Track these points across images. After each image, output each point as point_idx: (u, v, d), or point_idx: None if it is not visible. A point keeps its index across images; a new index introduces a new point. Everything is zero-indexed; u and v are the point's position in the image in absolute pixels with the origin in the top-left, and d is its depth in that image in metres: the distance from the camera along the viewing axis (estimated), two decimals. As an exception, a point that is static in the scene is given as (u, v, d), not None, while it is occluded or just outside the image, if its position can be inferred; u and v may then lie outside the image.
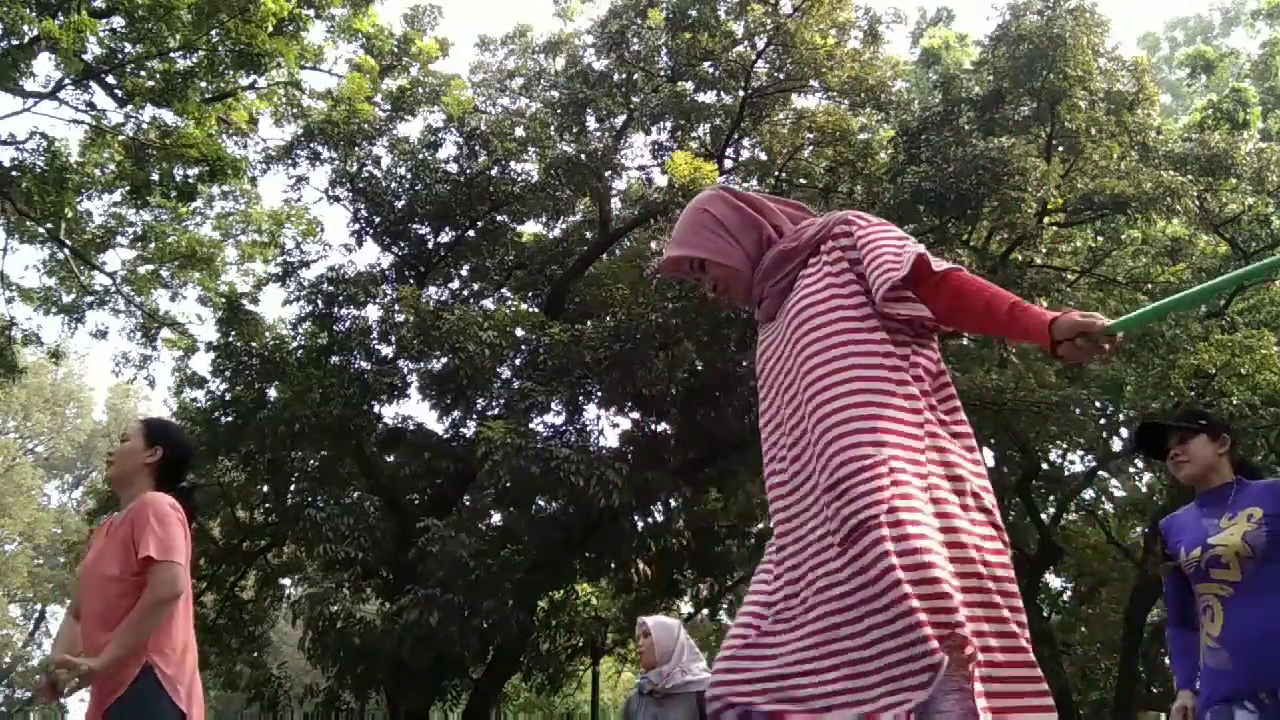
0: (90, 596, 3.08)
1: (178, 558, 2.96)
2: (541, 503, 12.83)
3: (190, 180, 12.00)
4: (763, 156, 14.68)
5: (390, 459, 14.83)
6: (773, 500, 2.17)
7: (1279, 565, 2.95)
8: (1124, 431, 16.43)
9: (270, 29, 10.98)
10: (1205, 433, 3.20)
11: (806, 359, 2.09)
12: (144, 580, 2.96)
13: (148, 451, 3.19)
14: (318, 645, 11.93)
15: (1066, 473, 16.88)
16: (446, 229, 14.28)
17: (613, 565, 13.53)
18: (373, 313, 13.80)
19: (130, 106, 11.75)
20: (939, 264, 2.10)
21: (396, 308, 12.98)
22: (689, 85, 14.33)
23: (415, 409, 56.13)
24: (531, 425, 12.37)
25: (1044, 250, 14.12)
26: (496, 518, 13.64)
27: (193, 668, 3.04)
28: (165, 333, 15.12)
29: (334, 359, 13.29)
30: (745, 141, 15.10)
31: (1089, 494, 17.90)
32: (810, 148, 13.85)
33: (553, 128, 13.98)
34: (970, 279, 2.11)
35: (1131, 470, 17.82)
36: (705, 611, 18.35)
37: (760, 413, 2.27)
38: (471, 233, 14.35)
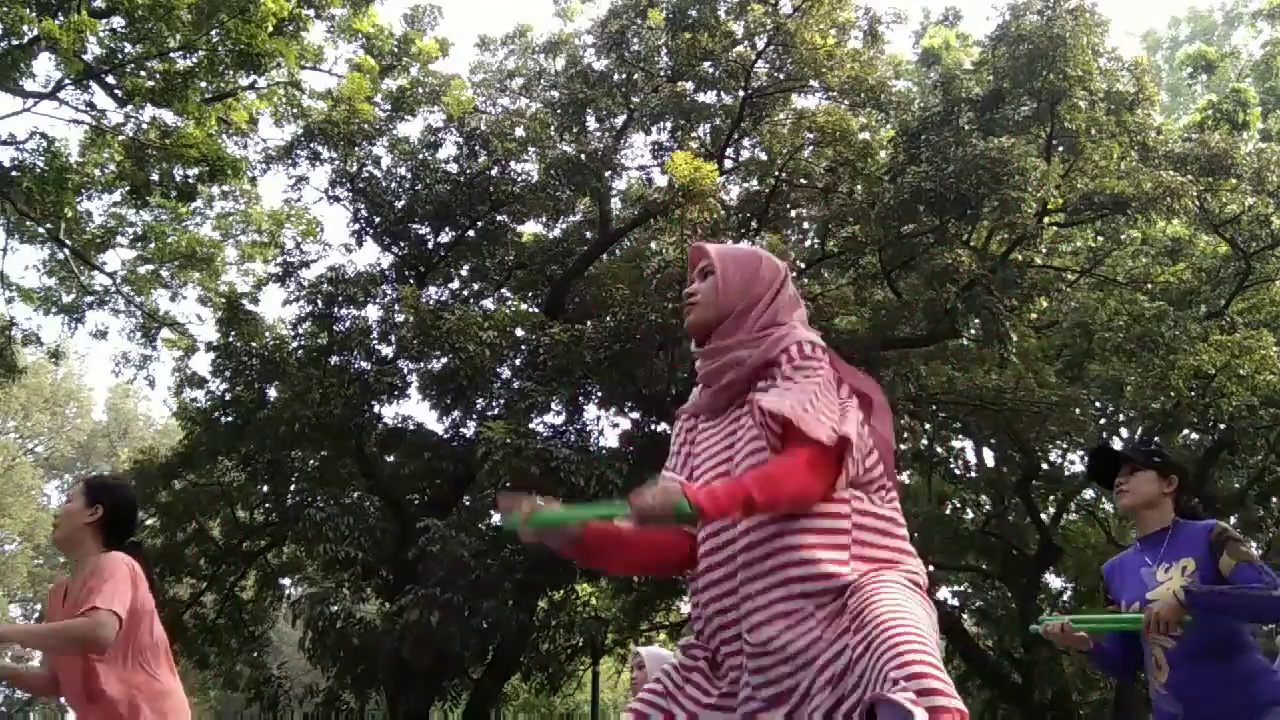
0: (62, 663, 3.05)
1: (118, 608, 2.89)
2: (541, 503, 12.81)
3: (190, 180, 12.01)
4: (763, 156, 14.68)
5: (390, 459, 14.83)
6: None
7: (1218, 615, 3.00)
8: (1124, 431, 16.44)
9: (270, 29, 10.98)
10: (1154, 469, 3.23)
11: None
12: None
13: (88, 510, 3.13)
14: (318, 645, 11.93)
15: (1066, 473, 16.88)
16: (446, 229, 14.28)
17: (613, 565, 13.52)
18: (373, 313, 13.82)
19: (130, 106, 11.75)
20: (814, 434, 2.03)
21: (396, 308, 12.98)
22: (689, 85, 14.32)
23: (415, 409, 56.10)
24: (531, 425, 12.37)
25: (1044, 250, 14.12)
26: (496, 518, 13.64)
27: (182, 706, 3.04)
28: (165, 333, 15.14)
29: (334, 359, 13.29)
30: (745, 141, 15.10)
31: (1089, 494, 17.90)
32: (810, 148, 13.85)
33: (553, 128, 13.98)
34: (773, 469, 2.04)
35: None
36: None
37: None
38: (471, 233, 14.34)
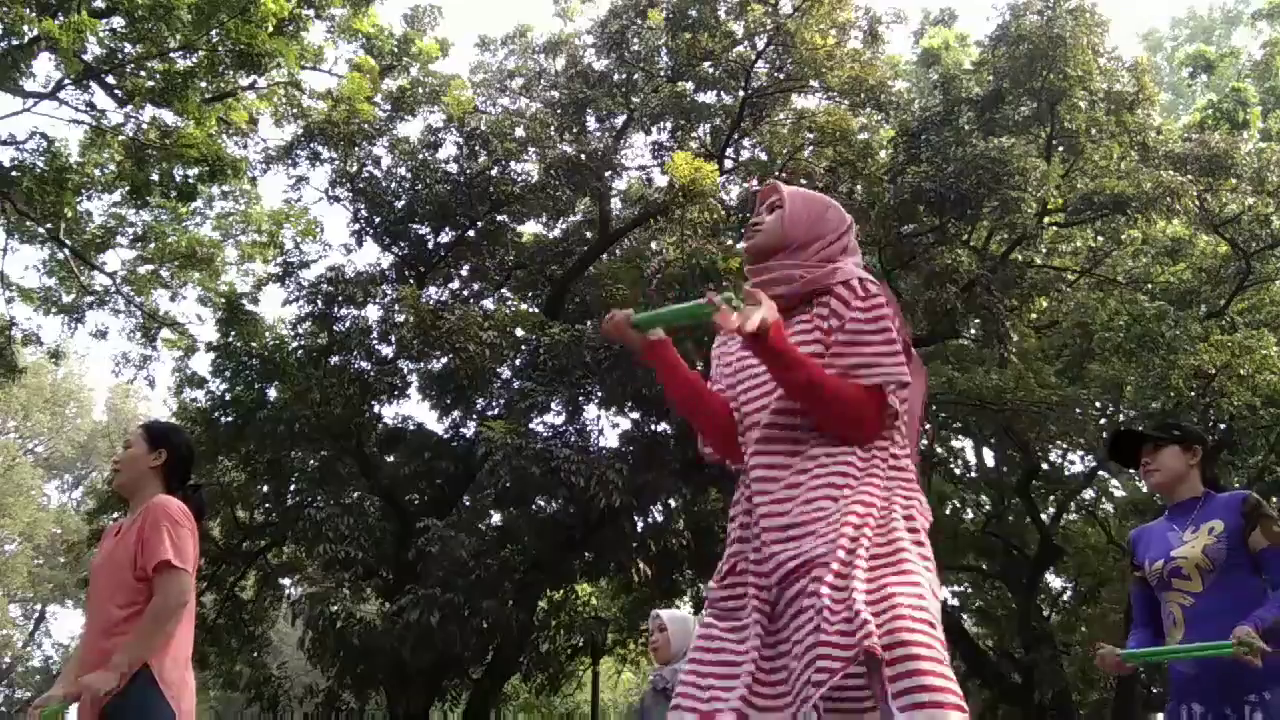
0: (98, 597, 3.11)
1: (189, 565, 3.01)
2: (541, 503, 12.83)
3: (190, 180, 12.00)
4: (763, 156, 14.68)
5: (390, 459, 14.83)
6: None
7: (1239, 576, 3.01)
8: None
9: (270, 29, 10.97)
10: (1177, 443, 3.26)
11: (787, 419, 2.17)
12: (150, 584, 2.99)
13: (152, 455, 3.22)
14: (318, 645, 11.94)
15: (1066, 473, 16.89)
16: (446, 229, 14.28)
17: (613, 565, 13.53)
18: (373, 313, 13.81)
19: (130, 106, 11.74)
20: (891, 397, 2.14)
21: (396, 308, 12.98)
22: (689, 85, 14.32)
23: (415, 409, 56.05)
24: (531, 425, 12.37)
25: (1044, 250, 14.13)
26: (496, 518, 13.65)
27: (186, 667, 3.07)
28: (165, 333, 15.11)
29: (334, 359, 13.28)
30: (745, 141, 15.09)
31: (1089, 494, 17.91)
32: (810, 148, 13.85)
33: (553, 128, 13.97)
34: (850, 391, 2.12)
35: (1131, 470, 17.81)
36: (705, 611, 18.36)
37: (744, 409, 2.29)
38: (471, 233, 14.34)
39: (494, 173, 13.65)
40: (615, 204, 15.04)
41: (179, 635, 3.04)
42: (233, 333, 13.41)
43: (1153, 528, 3.33)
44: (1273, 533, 3.00)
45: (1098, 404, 13.70)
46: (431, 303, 13.20)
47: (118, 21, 11.35)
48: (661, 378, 2.36)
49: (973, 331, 13.53)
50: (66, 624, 34.24)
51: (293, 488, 13.98)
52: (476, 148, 13.88)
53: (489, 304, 14.62)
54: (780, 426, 2.17)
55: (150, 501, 3.10)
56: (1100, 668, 3.17)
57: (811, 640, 1.94)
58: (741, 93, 14.06)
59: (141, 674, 2.90)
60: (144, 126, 12.03)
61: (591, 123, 14.88)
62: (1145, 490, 17.75)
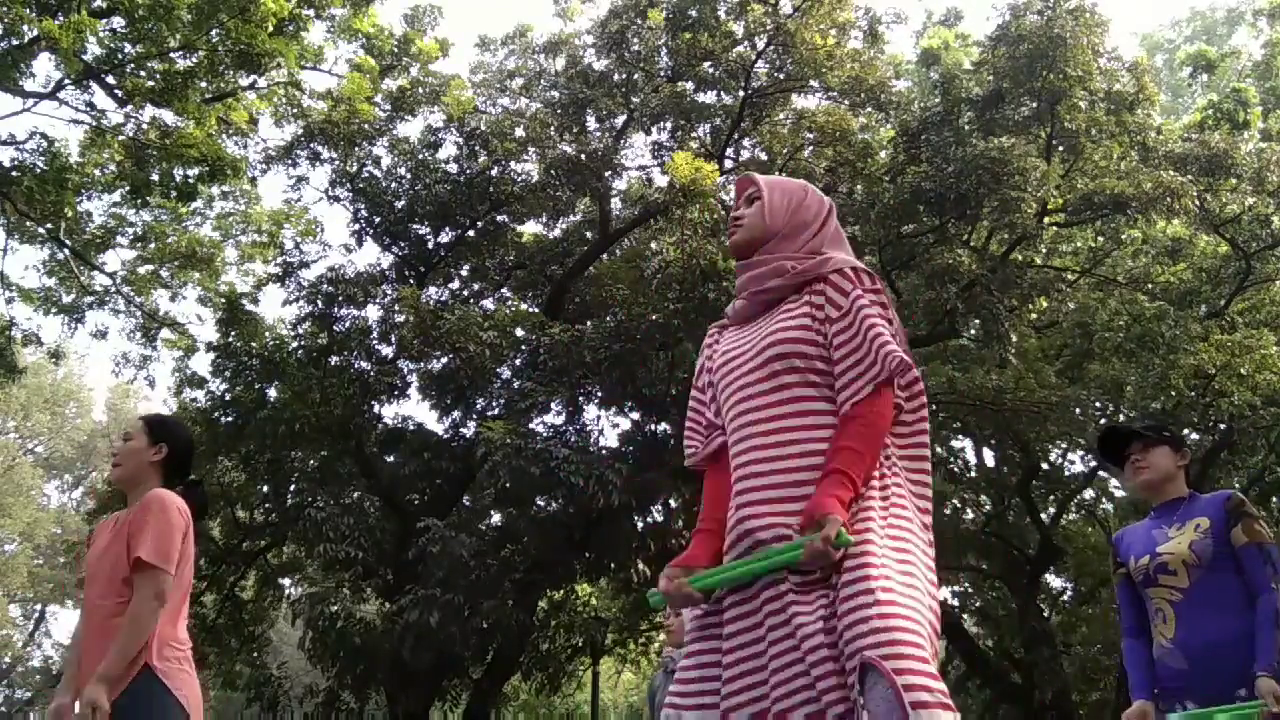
0: (95, 594, 3.06)
1: (168, 565, 2.93)
2: (541, 503, 12.84)
3: (190, 180, 11.98)
4: (763, 156, 14.67)
5: (390, 459, 14.83)
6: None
7: (1225, 574, 3.04)
8: (1124, 431, 16.41)
9: (270, 29, 10.97)
10: (1168, 444, 3.30)
11: (771, 391, 2.19)
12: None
13: (153, 449, 3.17)
14: (318, 645, 11.93)
15: (1066, 473, 16.88)
16: (446, 229, 14.28)
17: (613, 565, 13.53)
18: (373, 313, 13.84)
19: (130, 106, 11.74)
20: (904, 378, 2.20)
21: (396, 308, 12.99)
22: (689, 85, 14.32)
23: (415, 409, 56.12)
24: (531, 425, 12.37)
25: (1044, 250, 14.11)
26: (496, 518, 13.64)
27: (187, 661, 3.03)
28: (165, 333, 15.12)
29: (334, 359, 13.29)
30: (745, 141, 15.09)
31: (1089, 494, 17.90)
32: (810, 148, 13.85)
33: (553, 128, 13.97)
34: (873, 419, 2.12)
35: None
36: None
37: (724, 398, 2.32)
38: (471, 233, 14.35)
39: (494, 173, 13.65)
40: (615, 204, 15.04)
41: (175, 631, 3.01)
42: (233, 333, 13.41)
43: (1136, 528, 3.37)
44: (1254, 530, 3.03)
45: (1098, 404, 13.69)
46: (431, 303, 13.21)
47: (118, 21, 11.34)
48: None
49: (973, 331, 13.51)
50: (66, 624, 34.23)
51: (293, 488, 13.98)
52: (476, 148, 13.89)
53: (489, 304, 14.62)
54: (764, 419, 2.19)
55: (148, 494, 3.06)
56: None
57: (796, 654, 1.99)
58: (741, 93, 14.06)
59: (145, 673, 2.87)
60: (144, 126, 12.02)
61: (591, 123, 14.88)
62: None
